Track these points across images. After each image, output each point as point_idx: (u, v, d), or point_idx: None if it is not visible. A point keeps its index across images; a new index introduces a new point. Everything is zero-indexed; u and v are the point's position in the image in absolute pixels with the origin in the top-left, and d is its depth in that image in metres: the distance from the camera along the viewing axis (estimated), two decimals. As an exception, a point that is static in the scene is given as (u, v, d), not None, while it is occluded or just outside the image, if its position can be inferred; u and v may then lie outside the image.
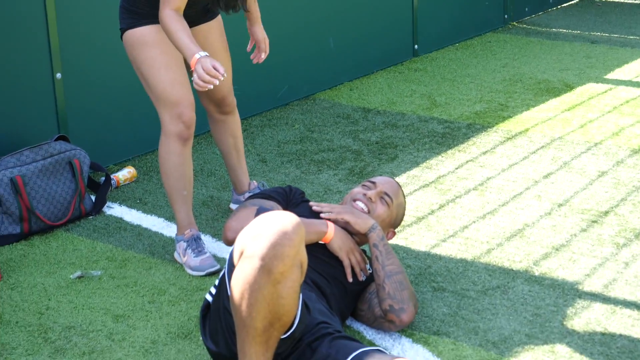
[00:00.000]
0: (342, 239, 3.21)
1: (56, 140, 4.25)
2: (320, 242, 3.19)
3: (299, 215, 3.15)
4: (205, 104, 4.00)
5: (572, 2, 8.46)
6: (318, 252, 3.17)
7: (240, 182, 4.18)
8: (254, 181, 4.26)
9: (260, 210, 3.13)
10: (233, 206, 4.25)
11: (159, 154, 3.74)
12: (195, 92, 3.89)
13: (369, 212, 3.32)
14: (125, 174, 4.58)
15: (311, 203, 3.32)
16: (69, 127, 4.56)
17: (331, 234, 3.19)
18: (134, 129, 4.88)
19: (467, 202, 4.30)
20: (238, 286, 2.61)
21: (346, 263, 3.20)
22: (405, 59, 6.67)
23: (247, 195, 4.18)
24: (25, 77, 4.38)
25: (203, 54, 3.32)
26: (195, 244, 3.70)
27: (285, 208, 3.29)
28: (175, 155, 3.69)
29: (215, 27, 3.85)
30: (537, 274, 3.60)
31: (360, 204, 3.34)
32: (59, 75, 4.48)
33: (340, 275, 3.19)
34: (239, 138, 4.12)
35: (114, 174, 4.55)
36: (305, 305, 2.80)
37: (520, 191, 4.40)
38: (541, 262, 3.69)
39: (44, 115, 4.48)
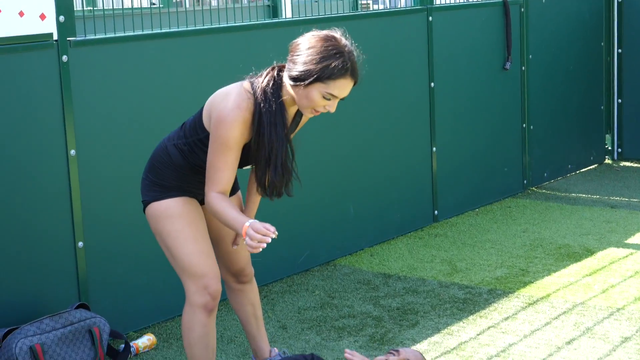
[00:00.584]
0: None
1: (76, 308, 4.27)
2: None
3: None
4: (223, 274, 3.98)
5: (591, 167, 8.55)
6: None
7: (261, 349, 4.15)
8: (275, 348, 4.22)
9: None
10: None
11: (182, 324, 3.72)
12: None
13: None
14: (144, 342, 4.58)
15: (346, 350, 3.28)
16: (90, 294, 4.58)
17: None
18: (154, 296, 4.89)
19: (489, 369, 4.25)
20: None
21: None
22: (425, 224, 6.72)
23: None
24: (47, 245, 4.44)
25: (252, 220, 3.34)
26: None
27: None
28: (201, 326, 3.67)
29: (234, 201, 3.89)
30: None
31: None
32: (80, 244, 4.53)
33: None
34: (258, 305, 4.11)
35: (133, 342, 4.54)
36: None
37: (543, 357, 4.35)
38: None
39: (65, 283, 4.51)
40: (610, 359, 4.29)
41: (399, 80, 6.43)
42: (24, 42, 4.31)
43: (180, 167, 3.63)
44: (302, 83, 3.37)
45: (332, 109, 3.41)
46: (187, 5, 8.20)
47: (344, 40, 3.42)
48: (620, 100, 8.63)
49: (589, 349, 4.42)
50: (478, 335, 4.67)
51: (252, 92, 3.44)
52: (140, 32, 4.86)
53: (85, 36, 4.59)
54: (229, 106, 3.42)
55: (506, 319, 4.88)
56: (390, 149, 6.38)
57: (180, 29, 5.08)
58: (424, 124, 6.68)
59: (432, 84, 6.66)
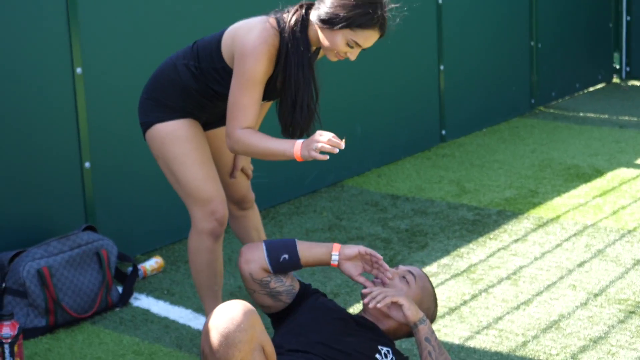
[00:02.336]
0: None
1: (84, 230, 4.22)
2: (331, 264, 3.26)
3: (308, 307, 3.20)
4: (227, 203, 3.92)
5: (599, 86, 8.45)
6: (328, 339, 3.08)
7: None
8: None
9: (267, 248, 3.20)
10: None
11: (189, 249, 3.67)
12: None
13: (383, 286, 3.26)
14: (152, 264, 4.54)
15: (364, 292, 3.23)
16: (97, 216, 4.53)
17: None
18: (161, 218, 4.84)
19: (500, 292, 4.22)
20: None
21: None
22: (432, 144, 6.65)
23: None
24: (53, 166, 4.37)
25: (300, 141, 3.22)
26: None
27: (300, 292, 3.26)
28: (208, 252, 3.61)
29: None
30: (575, 368, 3.50)
31: (375, 280, 3.29)
32: (87, 164, 4.46)
33: (367, 350, 3.09)
34: (262, 229, 4.05)
35: (141, 264, 4.50)
36: None
37: (554, 280, 4.31)
38: (579, 356, 3.59)
39: (72, 205, 4.45)
40: (623, 281, 4.26)
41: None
42: (26, -43, 4.19)
43: (189, 88, 3.51)
44: (329, 26, 3.25)
45: (353, 57, 3.32)
46: None
47: None
48: (629, 18, 8.48)
49: (601, 272, 4.38)
50: (488, 257, 4.63)
51: (278, 29, 3.32)
52: (144, -53, 4.73)
53: (89, -49, 4.47)
54: (255, 40, 3.29)
55: (516, 240, 4.84)
56: (397, 68, 6.28)
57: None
58: (432, 42, 6.56)
59: (440, 1, 6.53)
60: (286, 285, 3.23)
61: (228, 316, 2.60)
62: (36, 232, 4.27)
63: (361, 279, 3.26)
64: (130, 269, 4.41)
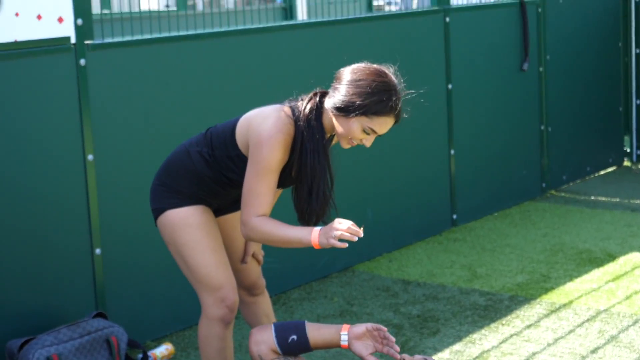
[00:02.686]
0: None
1: (94, 317, 4.21)
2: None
3: None
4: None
5: (610, 169, 8.46)
6: None
7: None
8: None
9: (276, 329, 3.22)
10: None
11: (199, 336, 3.64)
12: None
13: None
14: (162, 351, 4.51)
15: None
16: (107, 303, 4.52)
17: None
18: (171, 305, 4.83)
19: (514, 379, 4.18)
20: None
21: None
22: (444, 229, 6.64)
23: None
24: (64, 252, 4.38)
25: (318, 229, 3.23)
26: None
27: None
28: (218, 340, 3.59)
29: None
30: None
31: None
32: (98, 251, 4.47)
33: None
34: (272, 316, 4.02)
35: (151, 351, 4.48)
36: None
37: (568, 367, 4.27)
38: None
39: (82, 292, 4.45)
40: (637, 368, 4.22)
41: (416, 82, 6.29)
42: (41, 46, 4.25)
43: (203, 175, 3.52)
44: (345, 114, 3.28)
45: (368, 144, 3.34)
46: (202, 8, 8.14)
47: (394, 79, 3.33)
48: (638, 102, 8.53)
49: (615, 358, 4.34)
50: (500, 343, 4.59)
51: (293, 117, 3.36)
52: (157, 35, 4.80)
53: (103, 39, 4.53)
54: (270, 129, 3.32)
55: (529, 326, 4.80)
56: (408, 153, 6.31)
57: (196, 32, 5.02)
58: (442, 127, 6.60)
59: (450, 86, 6.59)
60: None
61: None
62: (46, 319, 4.26)
63: (372, 359, 3.23)
64: (140, 355, 4.38)
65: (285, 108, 3.38)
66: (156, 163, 4.72)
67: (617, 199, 7.44)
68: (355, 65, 3.35)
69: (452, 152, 6.65)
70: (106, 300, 4.52)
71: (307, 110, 3.35)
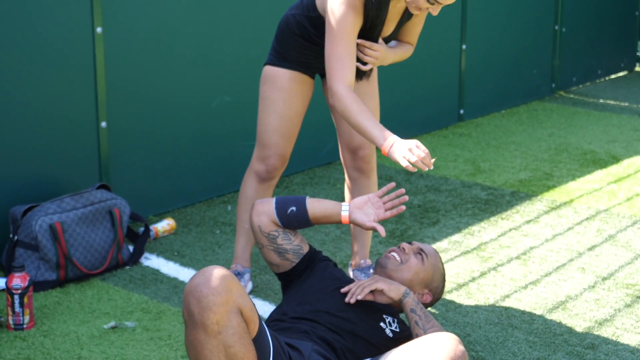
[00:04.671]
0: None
1: (98, 188, 4.24)
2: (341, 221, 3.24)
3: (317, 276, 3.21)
4: (344, 154, 3.94)
5: (621, 74, 8.41)
6: (333, 308, 3.09)
7: (354, 253, 4.07)
8: (369, 260, 4.08)
9: (277, 200, 3.23)
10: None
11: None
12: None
13: (401, 261, 3.26)
14: (164, 226, 4.56)
15: (342, 290, 3.21)
16: (111, 176, 4.55)
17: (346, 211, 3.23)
18: (175, 181, 4.86)
19: (509, 270, 4.22)
20: (189, 352, 2.68)
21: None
22: (450, 123, 6.64)
23: (353, 271, 4.05)
24: (70, 124, 4.39)
25: (394, 139, 3.22)
26: None
27: (309, 256, 3.27)
28: (250, 189, 3.86)
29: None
30: (579, 348, 3.50)
31: (394, 254, 3.28)
32: (104, 124, 4.48)
33: (363, 332, 3.09)
34: None
35: (153, 225, 4.53)
36: (297, 350, 2.85)
37: (563, 262, 4.32)
38: (584, 337, 3.60)
39: (87, 164, 4.48)
40: (632, 267, 4.26)
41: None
42: None
43: (297, 36, 3.62)
44: None
45: (435, 13, 3.35)
46: None
47: None
48: (655, 7, 8.43)
49: (611, 256, 4.38)
50: (499, 236, 4.64)
51: None
52: None
53: None
54: None
55: (528, 221, 4.84)
56: (419, 45, 6.21)
57: None
58: (455, 21, 6.54)
59: (466, -20, 6.51)
60: (293, 244, 3.23)
61: (203, 281, 2.62)
62: (50, 188, 4.30)
63: (375, 224, 3.21)
64: (142, 229, 4.43)
65: None
66: (165, 36, 4.71)
67: (626, 103, 7.41)
68: None
69: (464, 46, 6.61)
70: (110, 173, 4.55)
71: None
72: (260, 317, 2.77)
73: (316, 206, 3.24)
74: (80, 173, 4.45)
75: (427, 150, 3.19)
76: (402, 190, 3.28)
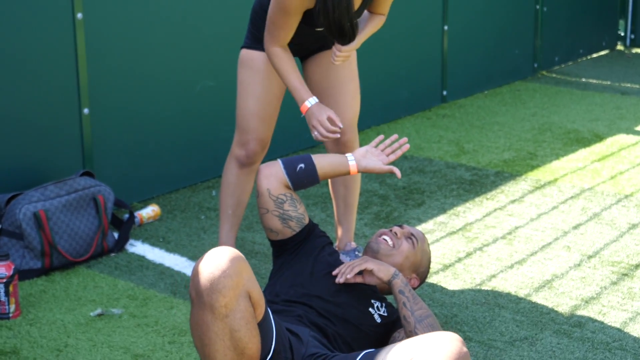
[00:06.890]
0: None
1: (81, 175, 4.22)
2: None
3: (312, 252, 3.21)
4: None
5: (602, 52, 8.42)
6: (325, 293, 3.09)
7: (339, 237, 4.08)
8: (354, 243, 4.10)
9: (284, 161, 3.20)
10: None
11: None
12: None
13: (393, 246, 3.26)
14: (149, 212, 4.55)
15: (334, 273, 3.21)
16: (95, 162, 4.53)
17: (354, 165, 3.27)
18: (159, 167, 4.85)
19: (495, 250, 4.23)
20: (193, 332, 2.66)
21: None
22: (433, 104, 6.64)
23: (340, 255, 4.03)
24: (52, 111, 4.36)
25: (313, 101, 3.38)
26: None
27: (308, 227, 3.25)
28: (232, 175, 3.85)
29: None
30: (565, 326, 3.51)
31: (386, 237, 3.27)
32: (86, 110, 4.46)
33: (352, 317, 3.10)
34: (352, 191, 4.01)
35: (137, 212, 4.51)
36: (296, 335, 2.84)
37: (549, 241, 4.33)
38: (570, 315, 3.61)
39: (70, 151, 4.45)
40: (617, 244, 4.27)
41: (413, -45, 6.26)
42: None
43: (265, 11, 3.58)
44: None
45: None
46: None
47: None
48: (636, -15, 8.45)
49: (596, 234, 4.40)
50: (484, 216, 4.64)
51: None
52: None
53: None
54: None
55: (513, 201, 4.85)
56: (401, 27, 6.25)
57: None
58: (437, 2, 6.53)
59: (447, -39, 6.50)
60: (298, 213, 3.19)
61: (214, 262, 2.59)
62: (33, 175, 4.28)
63: (392, 167, 3.27)
64: (126, 215, 4.42)
65: None
66: (147, 22, 4.68)
67: (608, 82, 7.43)
68: None
69: (446, 27, 6.60)
70: (94, 160, 4.53)
71: None
72: (266, 302, 2.76)
73: (323, 160, 3.24)
74: (63, 160, 4.43)
75: (336, 121, 3.37)
76: (396, 135, 3.36)
